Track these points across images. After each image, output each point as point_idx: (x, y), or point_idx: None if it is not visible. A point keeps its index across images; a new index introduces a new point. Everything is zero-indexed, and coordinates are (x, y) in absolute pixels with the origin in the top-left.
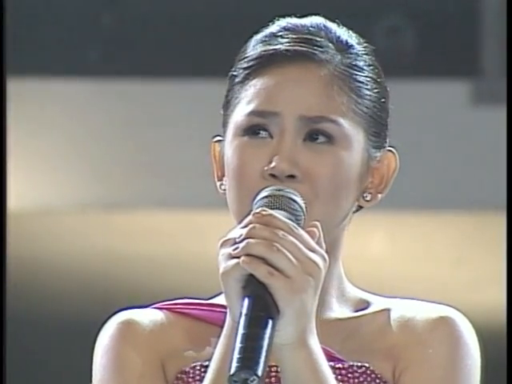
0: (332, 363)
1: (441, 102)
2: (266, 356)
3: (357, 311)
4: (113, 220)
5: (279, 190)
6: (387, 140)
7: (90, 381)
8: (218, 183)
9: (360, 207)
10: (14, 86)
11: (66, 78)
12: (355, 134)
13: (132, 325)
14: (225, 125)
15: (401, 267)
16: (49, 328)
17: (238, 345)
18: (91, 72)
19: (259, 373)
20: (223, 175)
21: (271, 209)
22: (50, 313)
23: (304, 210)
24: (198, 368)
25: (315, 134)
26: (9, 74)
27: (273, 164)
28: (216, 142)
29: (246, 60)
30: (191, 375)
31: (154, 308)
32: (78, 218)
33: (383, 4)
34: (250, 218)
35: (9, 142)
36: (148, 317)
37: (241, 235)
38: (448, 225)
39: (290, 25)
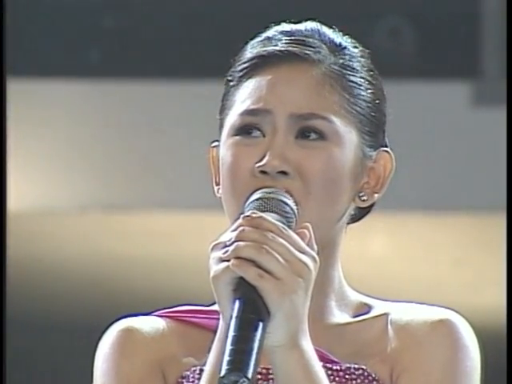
0: (329, 365)
1: (441, 103)
2: (257, 358)
3: (357, 316)
4: (112, 221)
5: (270, 193)
6: (385, 141)
7: (89, 380)
8: (216, 188)
9: (358, 217)
10: (13, 87)
11: (66, 78)
12: (347, 132)
13: (132, 332)
14: (220, 128)
15: (400, 268)
16: (48, 328)
17: (228, 347)
18: (91, 73)
19: (249, 375)
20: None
21: (262, 211)
22: (50, 313)
23: (295, 212)
24: (198, 372)
25: (307, 131)
26: (9, 75)
27: (263, 161)
28: (213, 147)
29: (240, 63)
30: (191, 379)
31: (154, 315)
32: (78, 219)
33: (384, 5)
34: (239, 220)
35: (9, 142)
36: (148, 324)
37: (231, 238)
38: (448, 226)
39: (284, 29)
